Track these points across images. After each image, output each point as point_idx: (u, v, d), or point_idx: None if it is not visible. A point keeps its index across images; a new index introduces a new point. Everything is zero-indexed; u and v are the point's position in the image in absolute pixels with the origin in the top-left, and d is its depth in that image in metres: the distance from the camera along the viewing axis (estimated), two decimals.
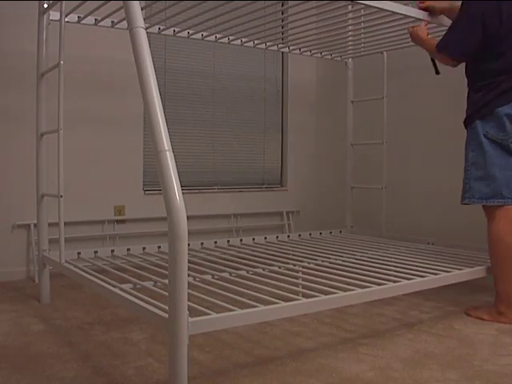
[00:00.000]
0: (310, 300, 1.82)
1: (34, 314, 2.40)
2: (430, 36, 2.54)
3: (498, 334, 2.16)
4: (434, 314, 2.45)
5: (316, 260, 2.62)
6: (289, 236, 3.43)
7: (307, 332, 2.18)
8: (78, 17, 2.61)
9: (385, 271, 2.30)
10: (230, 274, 2.29)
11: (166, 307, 1.52)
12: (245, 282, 2.12)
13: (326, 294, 1.89)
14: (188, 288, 1.47)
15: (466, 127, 2.40)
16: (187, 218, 1.44)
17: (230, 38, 3.12)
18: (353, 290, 1.96)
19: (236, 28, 2.94)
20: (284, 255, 2.75)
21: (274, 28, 3.04)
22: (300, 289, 2.05)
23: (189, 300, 1.50)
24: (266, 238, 3.30)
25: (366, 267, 2.39)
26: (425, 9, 2.55)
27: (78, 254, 2.67)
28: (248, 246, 3.12)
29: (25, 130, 3.00)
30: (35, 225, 2.77)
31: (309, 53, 3.52)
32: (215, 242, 3.11)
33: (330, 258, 2.68)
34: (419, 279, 2.17)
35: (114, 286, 1.97)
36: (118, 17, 2.57)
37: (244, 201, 3.95)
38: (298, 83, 4.21)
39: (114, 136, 3.39)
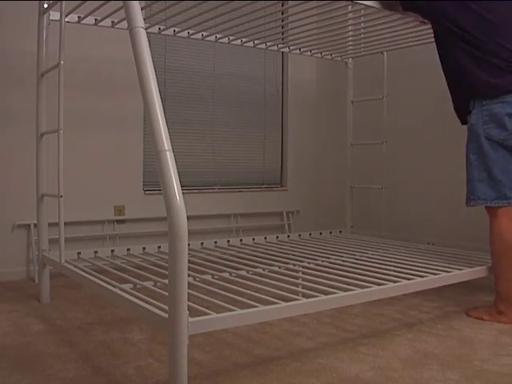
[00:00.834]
0: (310, 300, 1.82)
1: (33, 314, 2.40)
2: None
3: (498, 334, 2.16)
4: (434, 314, 2.45)
5: (316, 260, 2.62)
6: (289, 236, 3.43)
7: (307, 332, 2.18)
8: (78, 17, 2.61)
9: (385, 271, 2.30)
10: (230, 274, 2.29)
11: (166, 307, 1.52)
12: (245, 282, 2.12)
13: (326, 294, 1.88)
14: (188, 288, 1.47)
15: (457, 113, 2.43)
16: (187, 217, 1.44)
17: (230, 37, 3.12)
18: (353, 290, 1.96)
19: (236, 28, 2.94)
20: (284, 255, 2.75)
21: (274, 28, 3.04)
22: (300, 289, 2.05)
23: (189, 300, 1.50)
24: (266, 238, 3.30)
25: (365, 267, 2.39)
26: None
27: (78, 254, 2.67)
28: (248, 245, 3.11)
29: (25, 130, 3.00)
30: (35, 225, 2.77)
31: (309, 53, 3.52)
32: (215, 242, 3.11)
33: (329, 258, 2.68)
34: (419, 279, 2.17)
35: (114, 286, 1.97)
36: (118, 17, 2.57)
37: (244, 201, 3.95)
38: (298, 83, 4.21)
39: (114, 136, 3.39)
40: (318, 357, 1.90)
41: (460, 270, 2.36)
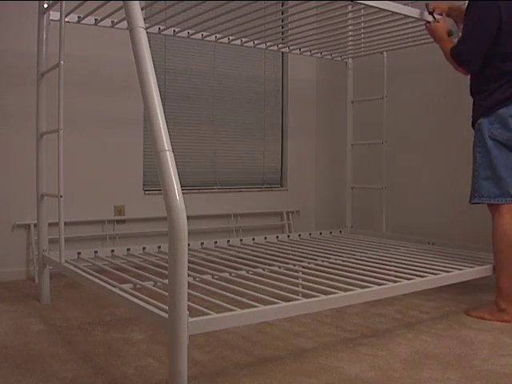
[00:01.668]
0: (309, 300, 1.82)
1: (33, 314, 2.40)
2: None
3: (498, 334, 2.15)
4: (434, 314, 2.45)
5: (316, 260, 2.62)
6: (289, 236, 3.43)
7: (307, 332, 2.18)
8: (78, 17, 2.61)
9: (385, 271, 2.30)
10: (230, 274, 2.29)
11: (166, 307, 1.52)
12: (245, 282, 2.12)
13: (325, 294, 1.88)
14: (188, 288, 1.47)
15: (473, 128, 2.42)
16: (187, 217, 1.44)
17: (230, 38, 3.12)
18: (353, 290, 1.96)
19: (236, 28, 2.94)
20: (284, 255, 2.75)
21: (273, 28, 3.04)
22: (300, 289, 2.05)
23: (189, 300, 1.50)
24: (265, 238, 3.30)
25: (365, 267, 2.39)
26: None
27: (78, 254, 2.67)
28: (248, 245, 3.12)
29: (25, 130, 3.00)
30: (35, 225, 2.77)
31: (309, 53, 3.52)
32: (215, 242, 3.11)
33: (329, 258, 2.68)
34: (419, 279, 2.17)
35: (113, 286, 1.97)
36: (118, 17, 2.57)
37: (244, 201, 3.95)
38: (298, 83, 4.21)
39: (114, 136, 3.39)
40: (318, 357, 1.90)
41: (460, 269, 2.37)
